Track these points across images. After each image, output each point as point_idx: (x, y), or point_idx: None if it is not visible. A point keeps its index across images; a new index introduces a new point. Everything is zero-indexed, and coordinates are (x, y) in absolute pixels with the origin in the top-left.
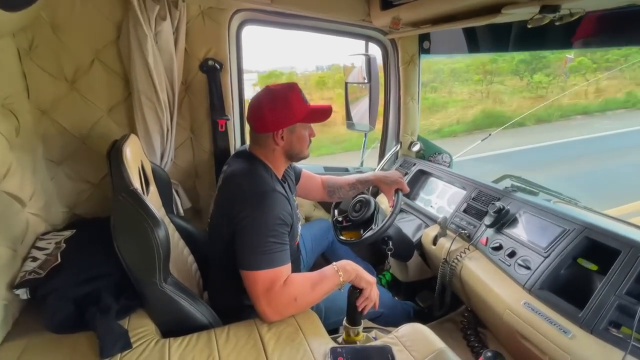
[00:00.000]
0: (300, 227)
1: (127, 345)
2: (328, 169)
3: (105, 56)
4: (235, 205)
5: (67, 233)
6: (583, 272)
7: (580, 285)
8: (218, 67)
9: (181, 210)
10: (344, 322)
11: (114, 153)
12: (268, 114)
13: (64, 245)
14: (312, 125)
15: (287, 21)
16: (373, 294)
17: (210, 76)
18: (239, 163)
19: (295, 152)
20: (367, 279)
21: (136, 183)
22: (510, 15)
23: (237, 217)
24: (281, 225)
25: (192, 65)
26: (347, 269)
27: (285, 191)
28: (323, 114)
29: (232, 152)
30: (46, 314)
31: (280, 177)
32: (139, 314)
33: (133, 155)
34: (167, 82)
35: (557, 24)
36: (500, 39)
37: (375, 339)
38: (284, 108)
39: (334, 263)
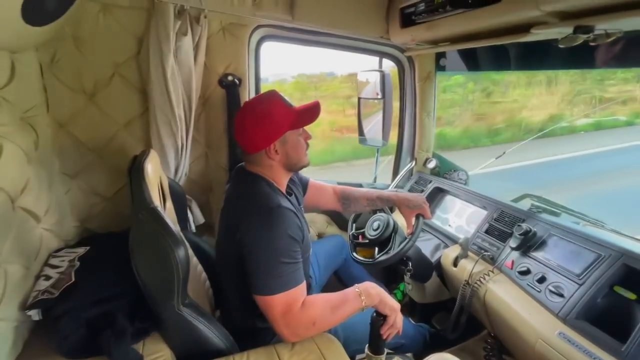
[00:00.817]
0: (310, 241)
1: None
2: (342, 185)
3: (125, 70)
4: (240, 228)
5: (81, 250)
6: (621, 301)
7: (618, 315)
8: (237, 82)
9: (193, 227)
10: (366, 350)
11: (135, 169)
12: (254, 132)
13: (78, 263)
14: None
15: (307, 37)
16: (398, 321)
17: (228, 91)
18: (239, 183)
19: (294, 162)
20: (392, 305)
21: (156, 200)
22: (538, 35)
23: (244, 239)
24: (292, 243)
25: (211, 80)
26: (371, 293)
27: (292, 205)
28: (311, 113)
29: None
30: (59, 337)
31: (284, 190)
32: (153, 337)
33: (154, 171)
34: (184, 96)
35: (591, 44)
36: (521, 56)
37: None
38: (268, 120)
39: (357, 285)
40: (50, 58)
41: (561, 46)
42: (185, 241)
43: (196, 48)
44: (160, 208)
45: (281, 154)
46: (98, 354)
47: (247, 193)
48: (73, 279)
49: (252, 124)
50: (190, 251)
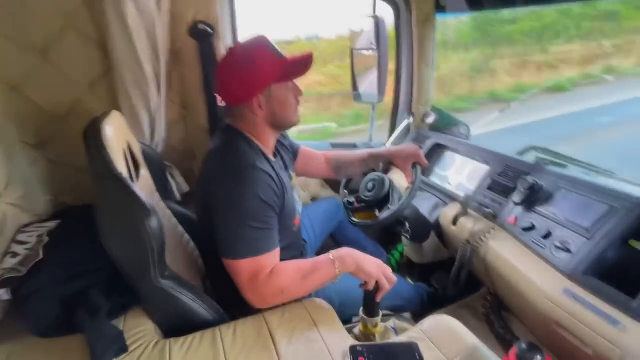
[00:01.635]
0: (299, 207)
1: (122, 349)
2: (335, 145)
3: (77, 20)
4: (210, 186)
5: (51, 224)
6: (634, 255)
7: (630, 270)
8: (210, 31)
9: (177, 195)
10: (360, 313)
11: (92, 133)
12: (235, 82)
13: (47, 238)
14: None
15: None
16: (383, 283)
17: (201, 42)
18: (217, 139)
19: (280, 119)
20: (369, 271)
21: (121, 167)
22: None
23: (212, 197)
24: (263, 207)
25: (180, 29)
26: (346, 260)
27: (274, 168)
28: (302, 65)
29: None
30: (29, 316)
31: (269, 151)
32: (135, 312)
33: (116, 134)
34: (150, 50)
35: None
36: None
37: (394, 328)
38: (251, 69)
39: (331, 252)
40: None
41: None
42: (159, 208)
43: None
44: (125, 175)
45: (266, 110)
46: (75, 332)
47: (222, 151)
48: (41, 255)
49: (232, 72)
50: (174, 219)
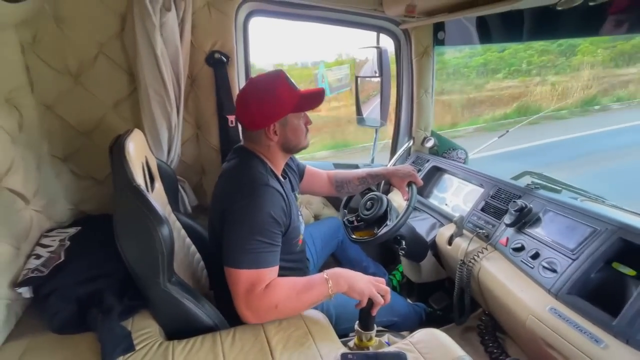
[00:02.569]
0: (303, 227)
1: (129, 348)
2: (338, 166)
3: (110, 50)
4: (225, 200)
5: (72, 230)
6: (616, 276)
7: (612, 291)
8: (225, 60)
9: (188, 208)
10: (356, 326)
11: (117, 148)
12: (256, 110)
13: (68, 242)
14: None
15: (296, 12)
16: (376, 299)
17: (216, 70)
18: (234, 159)
19: (293, 145)
20: (361, 289)
21: (139, 179)
22: None
23: (226, 210)
24: (271, 223)
25: (198, 58)
26: (339, 281)
27: (283, 188)
28: (315, 99)
29: None
30: (48, 313)
31: (279, 172)
32: (143, 314)
33: (137, 150)
34: (172, 75)
35: (591, 4)
36: (521, 26)
37: (389, 344)
38: (271, 100)
39: (326, 271)
40: (31, 37)
41: (558, 8)
42: (169, 219)
43: (181, 24)
44: (143, 187)
45: (280, 136)
46: (88, 330)
47: (238, 169)
48: (62, 258)
49: (254, 101)
50: (183, 232)
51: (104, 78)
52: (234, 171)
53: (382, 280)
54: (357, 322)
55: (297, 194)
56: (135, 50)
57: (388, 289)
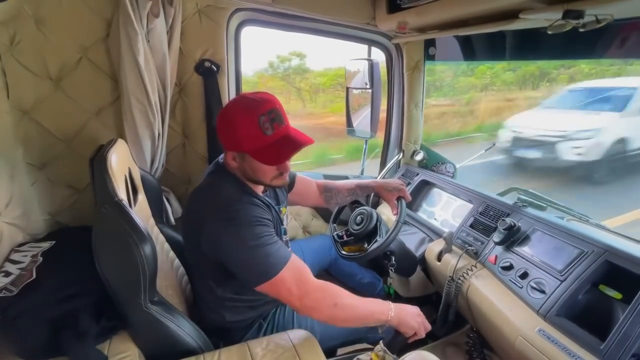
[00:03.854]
0: (286, 238)
1: None
2: (328, 177)
3: (94, 55)
4: (204, 229)
5: (46, 245)
6: (603, 299)
7: (600, 313)
8: (215, 69)
9: (172, 219)
10: (382, 344)
11: (98, 161)
12: (220, 128)
13: (41, 258)
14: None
15: (288, 22)
16: (420, 333)
17: (206, 78)
18: (210, 174)
19: (254, 180)
20: (412, 327)
21: (122, 193)
22: (528, 22)
23: (208, 237)
24: (260, 227)
25: (187, 66)
26: (407, 321)
27: (262, 200)
28: (290, 148)
29: None
30: (17, 338)
31: (259, 190)
32: (121, 336)
33: (119, 162)
34: (159, 83)
35: (581, 30)
36: (513, 46)
37: None
38: (227, 131)
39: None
40: (9, 40)
41: (549, 32)
42: (153, 235)
43: (170, 32)
44: (125, 202)
45: (239, 166)
46: (61, 355)
47: (212, 189)
48: (34, 276)
49: (221, 118)
50: (167, 245)
51: (87, 84)
52: (207, 192)
53: (423, 317)
54: (383, 341)
55: (282, 208)
56: (119, 57)
57: (429, 326)
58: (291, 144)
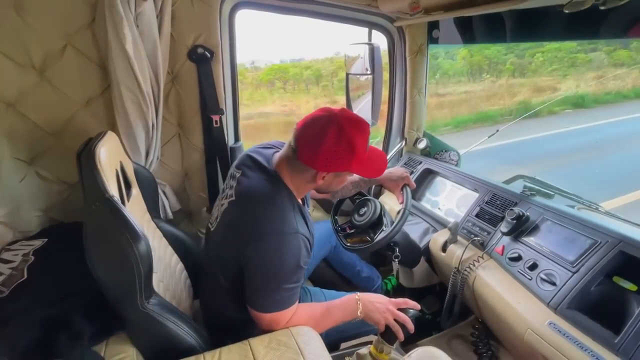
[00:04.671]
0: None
1: None
2: None
3: (79, 42)
4: (247, 236)
5: (38, 242)
6: (617, 291)
7: (613, 305)
8: (209, 55)
9: (169, 213)
10: (379, 335)
11: (86, 155)
12: (325, 151)
13: (33, 257)
14: None
15: (285, 4)
16: (394, 328)
17: (200, 66)
18: (258, 178)
19: (328, 191)
20: (376, 320)
21: (113, 189)
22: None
23: (249, 252)
24: (299, 271)
25: (180, 53)
26: (371, 316)
27: (306, 220)
28: (378, 167)
29: (228, 149)
30: (7, 341)
31: (300, 199)
32: (117, 337)
33: (110, 156)
34: (150, 71)
35: (601, 8)
36: (519, 27)
37: None
38: (345, 153)
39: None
40: None
41: (566, 11)
42: (148, 231)
43: (160, 16)
44: (116, 198)
45: (325, 183)
46: (55, 358)
47: (265, 200)
48: (25, 276)
49: (331, 144)
50: (164, 240)
51: (74, 73)
52: (260, 205)
53: (405, 302)
54: (380, 332)
55: (307, 208)
56: (106, 43)
57: (407, 318)
58: (378, 162)
